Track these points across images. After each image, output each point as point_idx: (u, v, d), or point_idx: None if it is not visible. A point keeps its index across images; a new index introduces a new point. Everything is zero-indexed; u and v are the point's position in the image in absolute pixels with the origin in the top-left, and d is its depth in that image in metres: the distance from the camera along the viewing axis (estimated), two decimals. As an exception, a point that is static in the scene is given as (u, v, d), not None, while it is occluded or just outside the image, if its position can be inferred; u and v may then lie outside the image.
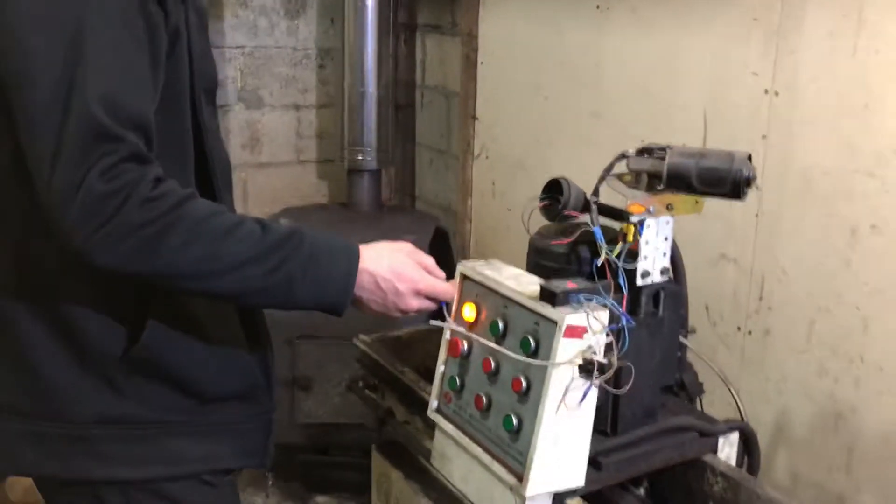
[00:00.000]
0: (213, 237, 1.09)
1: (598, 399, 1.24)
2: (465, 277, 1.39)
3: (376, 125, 3.08)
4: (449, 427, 1.39)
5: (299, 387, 2.82)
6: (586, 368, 1.20)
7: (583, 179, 1.37)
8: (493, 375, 1.30)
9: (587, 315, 1.20)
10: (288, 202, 3.34)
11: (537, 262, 1.41)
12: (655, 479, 1.44)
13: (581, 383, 1.20)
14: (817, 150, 1.79)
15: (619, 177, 1.31)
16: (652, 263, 1.30)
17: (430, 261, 1.30)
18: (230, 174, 1.36)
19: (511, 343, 1.27)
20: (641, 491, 1.43)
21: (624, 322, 1.20)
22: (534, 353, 1.23)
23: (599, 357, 1.19)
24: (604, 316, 1.21)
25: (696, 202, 1.31)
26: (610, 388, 1.22)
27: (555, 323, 1.20)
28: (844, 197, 1.74)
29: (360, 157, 3.09)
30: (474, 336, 1.31)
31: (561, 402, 1.20)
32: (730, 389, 1.50)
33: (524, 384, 1.24)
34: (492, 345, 1.27)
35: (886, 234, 1.69)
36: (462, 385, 1.37)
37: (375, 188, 3.14)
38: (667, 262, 1.31)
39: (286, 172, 3.45)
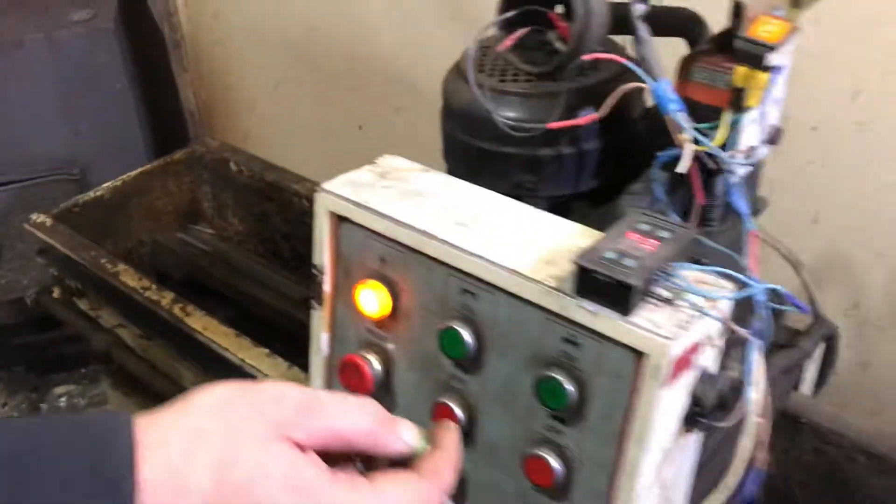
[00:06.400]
0: None
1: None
2: (340, 219, 0.62)
3: None
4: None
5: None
6: (696, 415, 0.53)
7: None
8: (465, 436, 0.60)
9: (701, 315, 0.50)
10: None
11: (477, 148, 0.65)
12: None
13: (681, 451, 0.54)
14: None
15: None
16: (762, 131, 0.59)
17: (364, 423, 0.48)
18: None
19: (499, 378, 0.57)
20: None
21: (759, 295, 0.53)
22: (570, 412, 0.53)
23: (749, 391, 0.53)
24: (727, 302, 0.52)
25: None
26: (764, 432, 0.56)
27: (637, 355, 0.49)
28: None
29: None
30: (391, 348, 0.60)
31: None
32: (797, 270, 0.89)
33: (559, 470, 0.55)
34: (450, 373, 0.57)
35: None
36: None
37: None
38: (778, 115, 0.61)
39: None
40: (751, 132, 0.58)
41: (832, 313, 1.28)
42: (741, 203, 0.54)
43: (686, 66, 0.59)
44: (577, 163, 0.66)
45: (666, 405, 0.52)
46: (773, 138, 0.63)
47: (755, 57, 0.51)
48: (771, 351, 0.85)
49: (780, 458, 0.98)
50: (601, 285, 0.50)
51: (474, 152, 0.68)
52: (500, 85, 0.63)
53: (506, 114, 0.62)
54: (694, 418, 0.54)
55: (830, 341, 0.93)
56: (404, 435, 0.48)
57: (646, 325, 0.50)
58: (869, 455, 0.90)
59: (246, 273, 1.32)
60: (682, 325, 0.50)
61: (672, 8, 0.62)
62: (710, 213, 0.63)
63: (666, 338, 0.50)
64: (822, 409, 0.95)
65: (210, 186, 1.43)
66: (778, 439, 0.97)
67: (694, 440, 0.58)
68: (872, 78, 1.15)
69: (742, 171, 0.59)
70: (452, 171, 0.71)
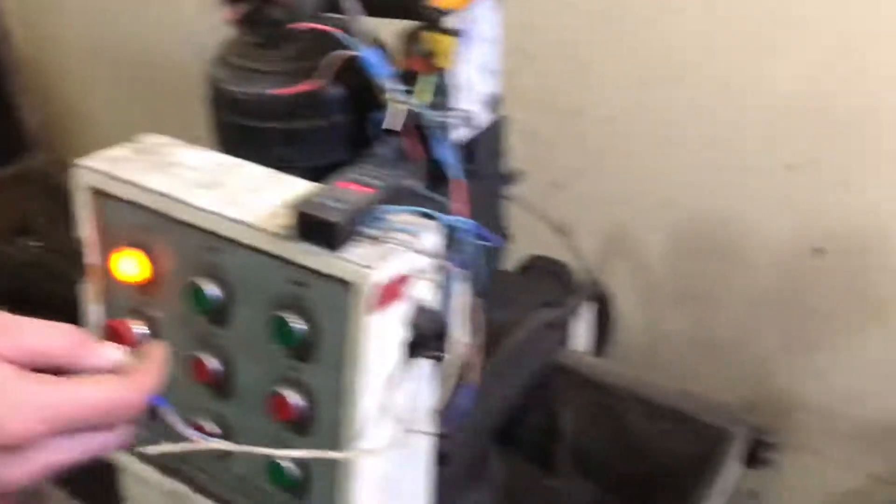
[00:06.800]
0: None
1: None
2: (99, 194, 0.67)
3: None
4: (153, 476, 0.73)
5: None
6: (419, 345, 0.59)
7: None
8: (221, 384, 0.65)
9: (407, 250, 0.57)
10: None
11: (238, 125, 0.71)
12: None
13: (415, 379, 0.60)
14: None
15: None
16: (476, 95, 0.67)
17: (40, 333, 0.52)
18: None
19: (245, 327, 0.62)
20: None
21: (474, 239, 0.60)
22: (305, 347, 0.59)
23: (450, 320, 0.59)
24: (435, 238, 0.59)
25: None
26: (476, 360, 0.63)
27: (347, 285, 0.56)
28: None
29: None
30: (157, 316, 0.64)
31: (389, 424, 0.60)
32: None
33: (300, 404, 0.61)
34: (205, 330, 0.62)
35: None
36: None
37: None
38: (496, 83, 0.69)
39: None
40: (462, 96, 0.66)
41: (630, 286, 1.39)
42: (447, 155, 0.61)
43: (406, 41, 0.66)
44: (330, 135, 0.72)
45: (378, 333, 0.58)
46: (493, 105, 0.70)
47: (432, 20, 0.59)
48: (537, 307, 0.93)
49: (572, 416, 1.06)
50: (313, 226, 0.56)
51: (234, 130, 0.73)
52: (241, 62, 0.69)
53: (249, 89, 0.68)
54: (417, 348, 0.61)
55: (603, 303, 1.02)
56: (106, 352, 0.52)
57: (352, 258, 0.56)
58: (642, 402, 0.99)
59: (73, 283, 1.33)
60: (384, 257, 0.57)
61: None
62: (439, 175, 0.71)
63: (368, 267, 0.56)
64: (604, 365, 1.04)
65: (41, 200, 1.44)
66: (568, 396, 1.06)
67: (427, 371, 0.64)
68: (657, 67, 1.27)
69: (459, 130, 0.66)
70: (224, 153, 0.76)
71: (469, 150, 0.74)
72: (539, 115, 1.42)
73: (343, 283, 0.57)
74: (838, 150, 1.15)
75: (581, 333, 0.99)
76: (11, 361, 0.48)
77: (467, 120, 0.67)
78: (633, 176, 1.34)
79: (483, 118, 0.69)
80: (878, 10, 1.06)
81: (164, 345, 0.55)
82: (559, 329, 0.94)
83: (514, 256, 1.11)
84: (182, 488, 0.72)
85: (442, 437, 0.76)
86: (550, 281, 1.05)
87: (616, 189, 1.36)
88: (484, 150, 0.74)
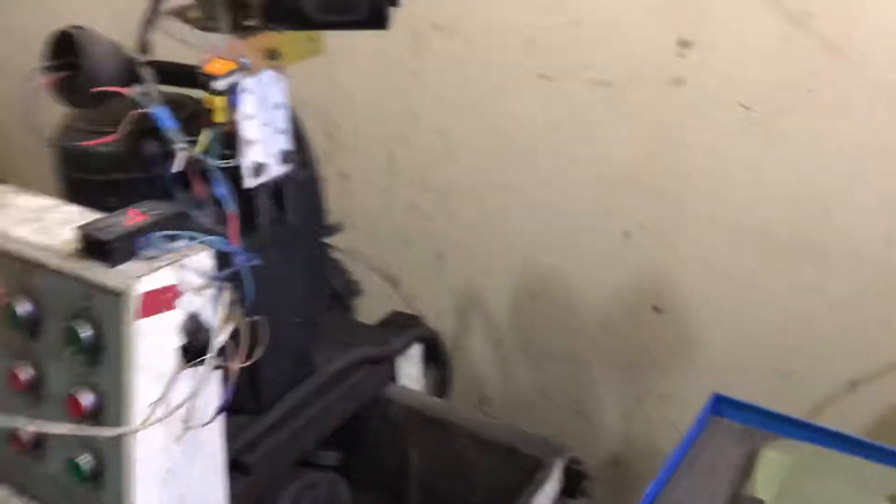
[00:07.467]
0: None
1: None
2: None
3: None
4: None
5: None
6: (194, 351, 0.69)
7: (117, 28, 0.80)
8: (34, 391, 0.75)
9: (175, 266, 0.68)
10: None
11: (72, 178, 0.83)
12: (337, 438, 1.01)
13: (194, 381, 0.70)
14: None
15: (180, 13, 0.76)
16: (264, 149, 0.79)
17: None
18: None
19: (52, 337, 0.72)
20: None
21: (239, 260, 0.70)
22: (94, 351, 0.69)
23: (214, 328, 0.69)
24: (205, 259, 0.70)
25: (313, 40, 0.82)
26: (235, 366, 0.72)
27: (117, 295, 0.66)
28: None
29: None
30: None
31: (168, 420, 0.69)
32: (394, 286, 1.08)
33: (91, 402, 0.70)
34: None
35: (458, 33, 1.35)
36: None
37: None
38: (287, 141, 0.81)
39: None
40: (251, 150, 0.78)
41: (488, 344, 1.50)
42: (223, 193, 0.73)
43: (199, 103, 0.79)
44: (151, 185, 0.84)
45: (148, 337, 0.68)
46: (285, 159, 0.83)
47: (205, 84, 0.72)
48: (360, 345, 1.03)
49: (419, 455, 1.14)
50: (92, 245, 0.68)
51: (71, 183, 0.85)
52: (70, 123, 0.81)
53: (69, 143, 0.80)
54: (189, 353, 0.71)
55: (432, 345, 1.12)
56: None
57: (124, 271, 0.68)
58: (475, 438, 1.08)
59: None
60: (152, 271, 0.68)
61: (182, 63, 0.81)
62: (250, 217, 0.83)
63: (135, 278, 0.67)
64: (446, 406, 1.13)
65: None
66: (415, 437, 1.15)
67: (206, 375, 0.74)
68: (509, 146, 1.41)
69: (250, 177, 0.79)
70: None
71: (276, 199, 0.86)
72: (419, 192, 1.56)
73: (116, 294, 0.68)
74: (664, 219, 1.28)
75: (412, 372, 1.09)
76: None
77: (256, 169, 0.79)
78: (494, 243, 1.47)
79: (275, 170, 0.81)
80: (694, 98, 1.21)
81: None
82: (384, 366, 1.04)
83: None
84: (2, 493, 0.80)
85: (244, 448, 0.85)
86: (401, 331, 1.16)
87: (483, 256, 1.49)
88: (292, 200, 0.86)
